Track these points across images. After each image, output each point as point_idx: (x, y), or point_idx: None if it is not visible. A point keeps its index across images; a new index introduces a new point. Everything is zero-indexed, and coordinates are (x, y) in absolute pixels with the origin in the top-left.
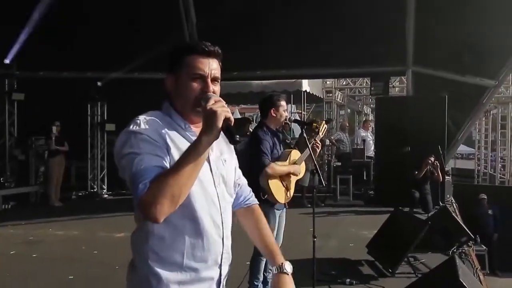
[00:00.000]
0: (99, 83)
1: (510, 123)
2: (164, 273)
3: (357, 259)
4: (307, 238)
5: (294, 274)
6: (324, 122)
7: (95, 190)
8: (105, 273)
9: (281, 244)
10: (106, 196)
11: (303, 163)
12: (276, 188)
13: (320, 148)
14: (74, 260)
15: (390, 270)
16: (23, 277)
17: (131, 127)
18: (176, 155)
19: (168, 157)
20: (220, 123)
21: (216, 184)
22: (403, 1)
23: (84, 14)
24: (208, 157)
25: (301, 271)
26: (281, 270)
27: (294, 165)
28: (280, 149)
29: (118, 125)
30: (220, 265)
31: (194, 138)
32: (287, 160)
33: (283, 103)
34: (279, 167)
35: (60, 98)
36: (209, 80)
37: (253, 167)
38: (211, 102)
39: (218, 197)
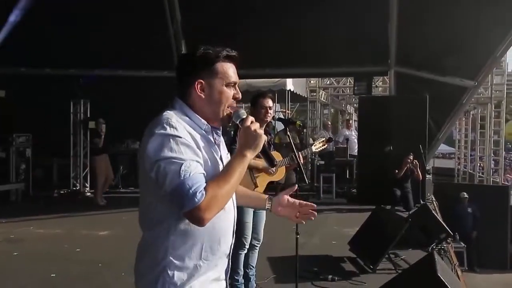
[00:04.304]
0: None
1: (489, 124)
2: (184, 266)
3: (339, 256)
4: (290, 236)
5: (277, 271)
6: (323, 140)
7: (77, 188)
8: (88, 271)
9: (261, 241)
10: (88, 194)
11: (283, 166)
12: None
13: (302, 161)
14: (56, 258)
15: (371, 267)
16: (4, 275)
17: (167, 129)
18: (205, 159)
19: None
20: (261, 145)
21: None
22: (386, 2)
23: (67, 11)
24: (221, 156)
25: (284, 268)
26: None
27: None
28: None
29: None
30: (229, 254)
31: (210, 137)
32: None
33: (261, 99)
34: None
35: (42, 95)
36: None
37: None
38: (248, 122)
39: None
